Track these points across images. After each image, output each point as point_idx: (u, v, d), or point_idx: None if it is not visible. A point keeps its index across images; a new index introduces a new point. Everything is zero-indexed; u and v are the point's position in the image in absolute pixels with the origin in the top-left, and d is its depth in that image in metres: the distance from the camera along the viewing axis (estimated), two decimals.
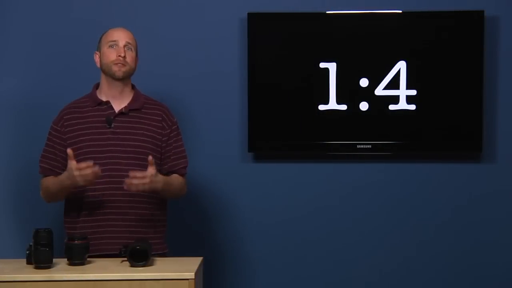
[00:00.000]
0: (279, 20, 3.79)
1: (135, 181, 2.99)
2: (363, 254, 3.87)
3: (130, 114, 3.17)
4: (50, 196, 3.18)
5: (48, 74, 3.83)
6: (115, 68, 3.13)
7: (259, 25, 3.78)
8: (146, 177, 2.99)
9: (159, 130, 3.20)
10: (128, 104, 3.18)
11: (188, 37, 3.84)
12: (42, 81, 3.83)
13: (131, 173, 3.00)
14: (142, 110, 3.19)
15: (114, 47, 3.13)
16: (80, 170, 2.95)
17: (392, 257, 3.87)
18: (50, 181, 3.14)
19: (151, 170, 3.00)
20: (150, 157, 3.00)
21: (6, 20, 3.84)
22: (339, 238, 3.87)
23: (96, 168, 2.97)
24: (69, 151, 2.98)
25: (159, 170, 3.19)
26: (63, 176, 3.04)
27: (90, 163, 2.97)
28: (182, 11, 3.85)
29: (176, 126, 3.26)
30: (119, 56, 3.12)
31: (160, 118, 3.21)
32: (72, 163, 2.96)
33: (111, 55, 3.13)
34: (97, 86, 3.24)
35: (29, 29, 3.83)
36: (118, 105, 3.17)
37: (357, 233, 3.87)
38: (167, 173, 3.21)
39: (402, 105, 3.79)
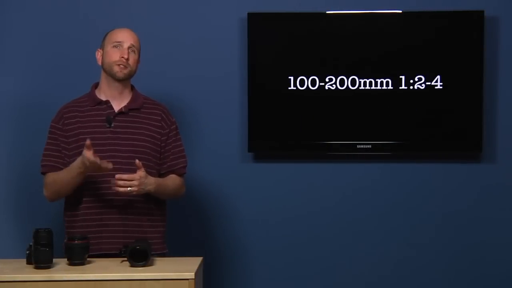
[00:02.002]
0: (279, 20, 3.79)
1: (121, 183, 2.99)
2: (363, 253, 3.87)
3: (129, 113, 3.17)
4: (57, 191, 3.13)
5: (48, 74, 3.83)
6: (116, 69, 3.13)
7: (259, 25, 3.78)
8: (134, 179, 3.00)
9: (158, 130, 3.20)
10: (128, 103, 3.18)
11: (188, 37, 3.84)
12: (42, 81, 3.83)
13: (117, 176, 3.00)
14: (141, 110, 3.20)
15: (119, 47, 3.14)
16: (91, 161, 2.97)
17: (392, 256, 3.87)
18: (59, 174, 3.11)
19: (140, 173, 3.01)
20: (137, 161, 3.01)
21: (6, 20, 3.84)
22: (339, 238, 3.87)
23: (110, 165, 2.99)
24: (88, 142, 2.96)
25: (158, 170, 3.20)
26: (75, 163, 3.03)
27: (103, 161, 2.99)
28: (182, 11, 3.85)
29: (175, 126, 3.26)
30: (122, 57, 3.12)
31: (160, 118, 3.22)
32: (88, 154, 2.96)
33: (114, 55, 3.13)
34: (96, 85, 3.24)
35: (29, 29, 3.83)
36: (117, 105, 3.18)
37: (357, 233, 3.87)
38: (166, 173, 3.22)
39: (402, 105, 3.79)
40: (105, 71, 3.17)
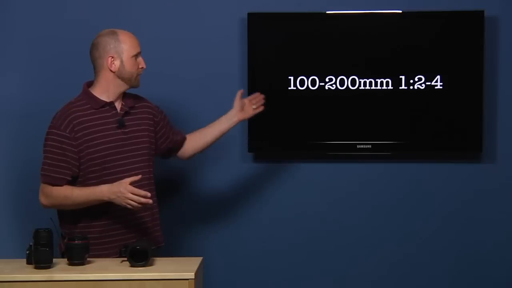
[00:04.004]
0: (279, 20, 3.79)
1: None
2: (363, 253, 3.87)
3: (131, 112, 3.19)
4: (63, 205, 3.09)
5: (48, 75, 3.83)
6: (138, 79, 3.19)
7: (259, 25, 3.78)
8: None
9: (152, 122, 3.26)
10: (125, 103, 3.20)
11: (188, 38, 3.84)
12: (41, 83, 3.83)
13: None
14: (136, 106, 3.24)
15: (138, 57, 3.17)
16: (133, 195, 2.95)
17: (392, 256, 3.87)
18: (73, 191, 3.05)
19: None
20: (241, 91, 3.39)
21: (5, 21, 3.83)
22: (339, 238, 3.87)
23: (150, 201, 2.99)
24: (137, 178, 2.99)
25: (155, 153, 3.29)
26: (104, 188, 3.00)
27: (148, 193, 2.97)
28: (182, 12, 3.85)
29: (160, 110, 3.34)
30: (142, 67, 3.18)
31: (150, 110, 3.28)
32: (128, 184, 2.95)
33: (136, 66, 3.16)
34: (88, 84, 3.20)
35: (27, 31, 3.83)
36: (117, 105, 3.18)
37: (357, 233, 3.87)
38: (182, 139, 3.38)
39: (402, 105, 3.79)
40: (123, 79, 3.14)
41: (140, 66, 3.17)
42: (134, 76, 3.15)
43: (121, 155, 3.10)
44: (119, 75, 3.13)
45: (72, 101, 3.17)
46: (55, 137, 3.07)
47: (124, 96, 3.21)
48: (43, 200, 3.12)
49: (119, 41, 3.13)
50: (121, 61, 3.12)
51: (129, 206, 2.97)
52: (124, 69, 3.13)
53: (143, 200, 2.95)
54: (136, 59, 3.15)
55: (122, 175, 3.05)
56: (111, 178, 3.06)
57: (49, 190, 3.08)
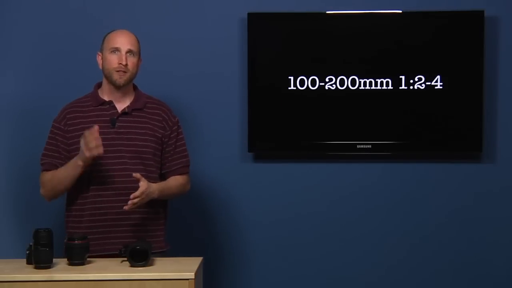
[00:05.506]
0: (279, 20, 3.79)
1: (135, 201, 3.01)
2: (363, 253, 3.87)
3: (132, 113, 3.17)
4: (53, 187, 3.13)
5: (49, 74, 3.83)
6: (116, 76, 3.12)
7: (259, 25, 3.78)
8: (142, 193, 3.01)
9: (160, 131, 3.21)
10: (131, 104, 3.18)
11: (188, 37, 3.84)
12: (42, 81, 3.83)
13: (132, 197, 3.01)
14: (144, 109, 3.20)
15: (116, 53, 3.12)
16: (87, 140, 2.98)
17: (392, 256, 3.87)
18: (56, 172, 3.12)
19: (144, 185, 3.01)
20: (134, 174, 3.02)
21: (6, 20, 3.84)
22: (339, 238, 3.87)
23: (101, 149, 2.99)
24: (96, 127, 3.00)
25: (159, 168, 3.22)
26: (73, 159, 3.06)
27: (100, 141, 2.98)
28: (182, 11, 3.85)
29: (176, 127, 3.26)
30: (120, 63, 3.11)
31: (161, 118, 3.22)
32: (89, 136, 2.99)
33: (112, 62, 3.12)
34: (99, 85, 3.24)
35: (29, 28, 3.83)
36: (120, 105, 3.17)
37: (357, 233, 3.87)
38: (167, 173, 3.23)
39: (402, 105, 3.79)
40: (105, 77, 3.17)
41: (118, 62, 3.11)
42: (111, 73, 3.12)
43: (109, 154, 3.09)
44: (103, 72, 3.17)
45: (79, 98, 3.24)
46: (52, 129, 3.19)
47: (137, 97, 3.20)
48: (41, 190, 3.20)
49: (105, 39, 3.18)
50: (102, 58, 3.17)
51: (87, 154, 2.97)
52: (104, 66, 3.16)
53: (93, 143, 2.96)
54: (114, 55, 3.12)
55: (109, 173, 3.07)
56: (97, 174, 3.08)
57: (42, 177, 3.18)
